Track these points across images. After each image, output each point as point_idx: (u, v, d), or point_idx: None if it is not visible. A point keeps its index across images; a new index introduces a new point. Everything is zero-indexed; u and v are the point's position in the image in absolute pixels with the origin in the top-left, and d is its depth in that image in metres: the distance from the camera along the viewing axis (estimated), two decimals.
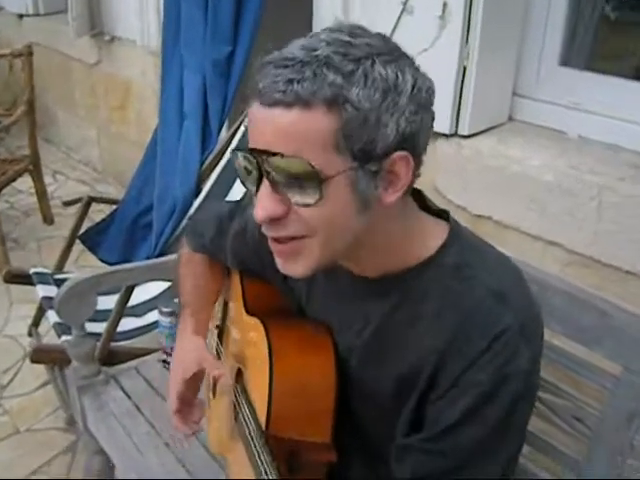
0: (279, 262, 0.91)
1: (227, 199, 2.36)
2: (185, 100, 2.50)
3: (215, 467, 1.45)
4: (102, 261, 2.54)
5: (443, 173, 2.16)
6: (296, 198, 0.82)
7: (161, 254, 2.38)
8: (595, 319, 1.17)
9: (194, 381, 1.20)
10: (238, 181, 2.33)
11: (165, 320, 1.69)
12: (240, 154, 0.85)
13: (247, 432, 1.05)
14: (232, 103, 2.46)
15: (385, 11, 2.15)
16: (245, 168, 0.86)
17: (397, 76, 0.82)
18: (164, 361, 1.73)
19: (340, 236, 0.88)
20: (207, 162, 2.44)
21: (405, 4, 2.07)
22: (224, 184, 2.39)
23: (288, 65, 0.79)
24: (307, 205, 0.82)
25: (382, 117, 0.80)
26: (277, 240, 0.88)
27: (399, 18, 2.11)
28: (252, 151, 0.82)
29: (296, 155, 0.79)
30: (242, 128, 2.42)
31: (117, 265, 2.24)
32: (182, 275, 1.33)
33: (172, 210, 2.42)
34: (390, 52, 0.83)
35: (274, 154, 0.80)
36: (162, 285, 2.24)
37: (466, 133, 2.13)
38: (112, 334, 1.84)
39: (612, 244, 1.80)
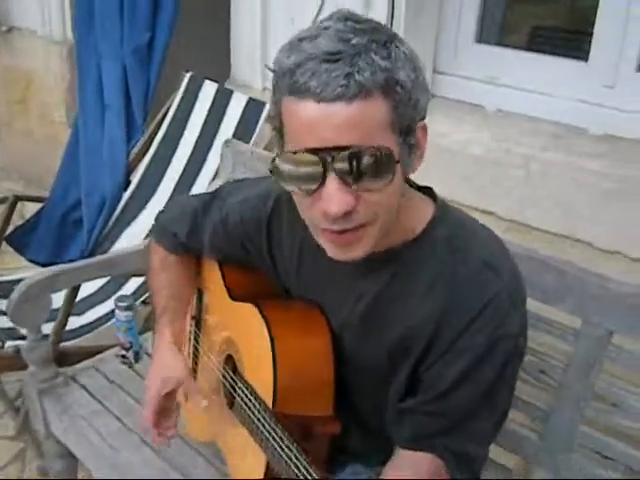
0: (333, 250, 0.92)
1: (159, 190, 2.34)
2: (105, 91, 2.44)
3: (192, 454, 1.45)
4: (31, 261, 2.45)
5: None
6: (369, 185, 0.84)
7: (94, 249, 2.33)
8: (556, 279, 1.27)
9: (172, 394, 1.20)
10: (169, 171, 2.31)
11: (122, 315, 1.66)
12: (295, 157, 0.84)
13: (252, 414, 1.07)
14: (155, 91, 2.42)
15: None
16: (300, 172, 0.85)
17: (413, 53, 0.86)
18: (122, 356, 1.71)
19: (392, 216, 0.92)
20: (134, 153, 2.40)
21: None
22: (154, 175, 2.37)
23: (338, 59, 0.80)
24: (380, 190, 0.85)
25: (417, 93, 0.85)
26: (340, 232, 0.88)
27: (322, 4, 2.15)
28: (317, 150, 0.82)
29: (368, 143, 0.81)
30: (169, 115, 2.39)
31: (49, 265, 2.19)
32: (156, 281, 1.32)
33: (102, 205, 2.37)
34: (391, 32, 0.87)
35: (345, 148, 0.81)
36: (97, 283, 2.20)
37: None
38: (60, 334, 1.79)
39: (540, 209, 1.94)
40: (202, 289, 1.35)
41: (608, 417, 1.28)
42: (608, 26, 1.97)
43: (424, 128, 0.91)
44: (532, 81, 2.08)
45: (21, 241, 2.44)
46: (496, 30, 2.41)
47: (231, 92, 2.25)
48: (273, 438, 1.00)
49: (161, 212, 1.38)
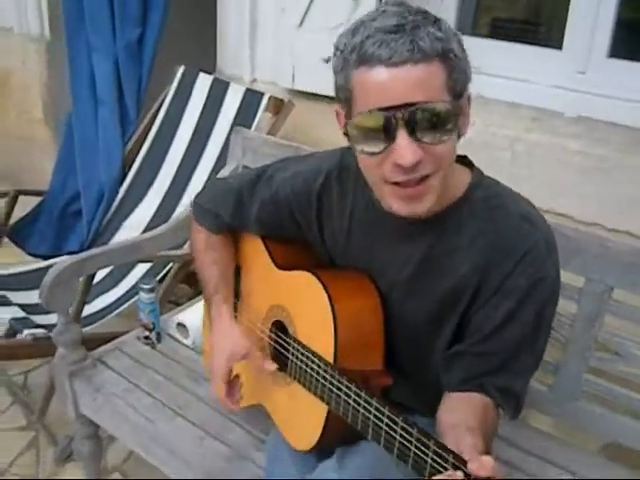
0: (400, 204, 1.03)
1: (156, 182, 2.40)
2: (98, 86, 2.49)
3: (223, 420, 1.55)
4: (31, 254, 2.48)
5: None
6: (435, 137, 0.96)
7: (94, 241, 2.38)
8: (561, 242, 1.40)
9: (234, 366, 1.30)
10: (166, 164, 2.38)
11: (146, 297, 1.73)
12: (370, 116, 0.95)
13: (311, 371, 1.17)
14: (147, 85, 2.48)
15: None
16: (373, 131, 0.96)
17: (457, 31, 0.99)
18: (146, 337, 1.78)
19: (449, 170, 1.03)
20: (129, 146, 2.46)
21: None
22: (150, 168, 2.44)
23: (402, 30, 0.92)
24: (443, 142, 0.97)
25: (465, 63, 0.99)
26: (407, 185, 0.99)
27: None
28: (389, 108, 0.93)
29: (433, 100, 0.94)
30: (163, 109, 2.46)
31: (50, 257, 2.25)
32: (205, 259, 1.41)
33: (100, 197, 2.42)
34: (436, 15, 0.99)
35: (413, 104, 0.93)
36: (102, 272, 2.25)
37: None
38: (79, 320, 1.85)
39: (527, 187, 2.08)
40: (239, 264, 1.44)
41: (611, 365, 1.44)
42: (580, 16, 2.13)
43: (469, 98, 1.04)
44: (510, 69, 2.22)
45: (20, 235, 2.47)
46: (470, 22, 2.56)
47: (227, 84, 2.33)
48: (338, 388, 1.10)
49: (200, 194, 1.46)
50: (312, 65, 2.34)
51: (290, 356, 1.25)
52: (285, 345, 1.27)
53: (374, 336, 1.19)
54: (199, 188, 2.21)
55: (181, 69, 2.45)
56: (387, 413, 1.00)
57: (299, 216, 1.27)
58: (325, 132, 2.37)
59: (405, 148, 0.95)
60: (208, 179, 2.29)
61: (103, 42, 2.45)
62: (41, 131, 3.36)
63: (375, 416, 1.02)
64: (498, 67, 2.25)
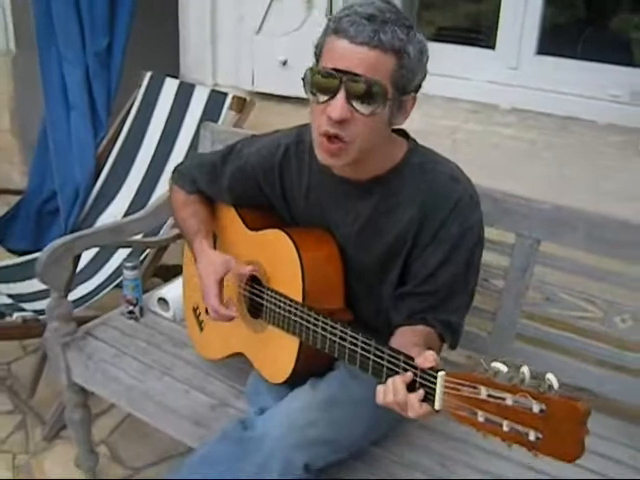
0: (324, 156, 1.25)
1: (127, 180, 2.58)
2: (69, 93, 2.65)
3: (204, 375, 1.74)
4: (10, 251, 2.62)
5: None
6: (363, 108, 1.18)
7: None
8: (493, 205, 1.63)
9: (221, 284, 1.47)
10: (136, 163, 2.56)
11: (130, 273, 1.91)
12: (323, 72, 1.17)
13: (284, 312, 1.37)
14: (116, 90, 2.66)
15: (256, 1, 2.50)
16: (322, 82, 1.18)
17: (424, 43, 1.22)
18: (130, 312, 1.95)
19: (369, 144, 1.25)
20: (101, 148, 2.63)
21: None
22: (121, 168, 2.62)
23: (374, 20, 1.14)
24: (367, 115, 1.18)
25: (417, 68, 1.21)
26: (330, 140, 1.21)
27: (270, 4, 2.47)
28: (338, 70, 1.15)
29: (375, 78, 1.15)
30: (132, 112, 2.64)
31: (30, 252, 2.40)
32: (183, 216, 1.61)
33: (75, 195, 2.59)
34: (413, 24, 1.21)
35: (357, 75, 1.15)
36: (85, 258, 2.40)
37: None
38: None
39: (467, 170, 2.33)
40: (215, 232, 1.63)
41: (543, 309, 1.66)
42: (510, 19, 2.41)
43: (414, 99, 1.26)
44: (449, 68, 2.47)
45: (1, 232, 2.62)
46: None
47: (193, 86, 2.53)
48: (307, 320, 1.31)
49: (179, 165, 1.69)
50: (271, 68, 2.56)
51: (265, 302, 1.45)
52: (260, 295, 1.47)
53: (335, 279, 1.40)
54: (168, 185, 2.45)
55: (148, 75, 2.64)
56: (349, 332, 1.21)
57: (265, 184, 1.48)
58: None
59: (338, 104, 1.16)
60: None
61: (73, 53, 2.61)
62: (9, 141, 3.49)
63: (340, 337, 1.23)
64: (440, 67, 2.50)
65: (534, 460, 1.37)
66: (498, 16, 2.44)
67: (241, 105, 2.39)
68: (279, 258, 1.42)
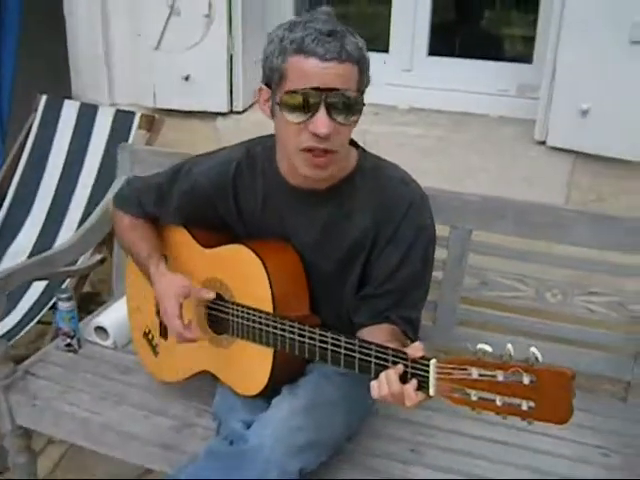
0: (309, 169, 1.29)
1: (32, 211, 2.47)
2: None
3: (162, 399, 1.72)
4: None
5: (224, 143, 2.54)
6: (344, 119, 1.23)
7: None
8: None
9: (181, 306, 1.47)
10: (40, 192, 2.46)
11: (65, 305, 1.84)
12: (301, 93, 1.20)
13: (254, 324, 1.40)
14: (9, 116, 2.54)
15: (153, 15, 2.47)
16: (300, 102, 1.21)
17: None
18: (67, 345, 1.88)
19: (346, 151, 1.31)
20: (0, 176, 2.50)
21: (172, 7, 2.42)
22: (25, 198, 2.51)
23: (334, 35, 1.20)
24: (348, 124, 1.25)
25: (368, 69, 1.28)
26: (317, 155, 1.25)
27: (168, 19, 2.45)
28: (316, 89, 1.19)
29: (350, 90, 1.21)
30: (30, 139, 2.53)
31: None
32: (132, 240, 1.59)
33: None
34: None
35: (335, 89, 1.20)
36: None
37: (240, 109, 2.58)
38: None
39: None
40: (164, 254, 1.62)
41: (480, 293, 1.79)
42: (401, 24, 2.54)
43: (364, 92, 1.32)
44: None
45: None
46: None
47: (96, 107, 2.46)
48: (282, 329, 1.34)
49: (120, 190, 1.67)
50: (173, 83, 2.54)
51: (231, 317, 1.46)
52: (224, 310, 1.48)
53: (299, 285, 1.45)
54: (79, 211, 2.38)
55: (44, 98, 2.54)
56: (330, 335, 1.26)
57: (218, 202, 1.49)
58: (194, 142, 2.59)
59: (323, 120, 1.22)
60: (88, 202, 2.40)
61: None
62: None
63: (320, 341, 1.28)
64: None
65: (494, 432, 1.50)
66: (389, 21, 2.57)
67: (150, 123, 2.36)
68: (242, 272, 1.44)
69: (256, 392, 1.44)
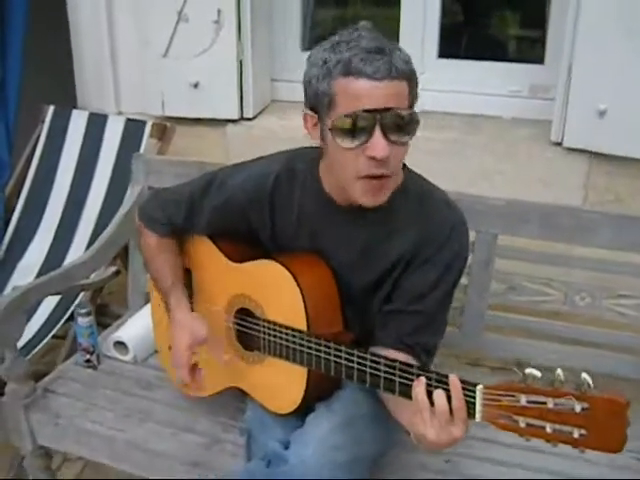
0: (367, 196, 1.25)
1: (42, 225, 2.43)
2: None
3: (187, 415, 1.68)
4: None
5: (236, 152, 2.55)
6: (400, 137, 1.19)
7: None
8: None
9: (192, 351, 1.45)
10: (50, 205, 2.42)
11: (84, 320, 1.80)
12: (354, 116, 1.16)
13: (287, 342, 1.37)
14: (16, 127, 2.50)
15: (160, 21, 2.44)
16: (354, 126, 1.17)
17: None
18: (87, 361, 1.84)
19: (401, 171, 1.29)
20: (8, 191, 2.46)
21: (180, 13, 2.39)
22: (34, 209, 2.46)
23: (382, 53, 1.15)
24: (404, 143, 1.20)
25: (417, 85, 1.24)
26: (375, 178, 1.21)
27: (176, 26, 2.42)
28: (370, 110, 1.15)
29: (403, 108, 1.17)
30: (38, 151, 2.49)
31: None
32: (157, 261, 1.55)
33: None
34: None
35: (389, 109, 1.15)
36: None
37: (251, 116, 2.55)
38: None
39: None
40: (188, 267, 1.59)
41: (507, 298, 1.76)
42: (410, 26, 2.52)
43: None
44: None
45: None
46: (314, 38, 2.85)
47: (105, 117, 2.42)
48: (317, 349, 1.31)
49: (145, 204, 1.61)
50: (181, 91, 2.51)
51: (262, 335, 1.43)
52: (254, 327, 1.45)
53: (333, 302, 1.41)
54: (91, 224, 2.34)
55: (51, 108, 2.50)
56: (369, 357, 1.24)
57: (253, 216, 1.44)
58: (204, 151, 2.56)
59: (380, 143, 1.16)
60: (99, 214, 2.37)
61: None
62: None
63: (359, 363, 1.25)
64: None
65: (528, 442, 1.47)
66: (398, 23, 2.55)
67: (162, 132, 2.33)
68: (274, 289, 1.40)
69: (289, 410, 1.40)
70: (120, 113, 2.65)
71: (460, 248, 1.38)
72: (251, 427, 1.49)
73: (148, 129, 2.33)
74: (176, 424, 1.66)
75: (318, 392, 1.41)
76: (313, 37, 2.82)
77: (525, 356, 1.78)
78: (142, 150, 2.30)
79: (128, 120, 2.40)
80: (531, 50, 2.87)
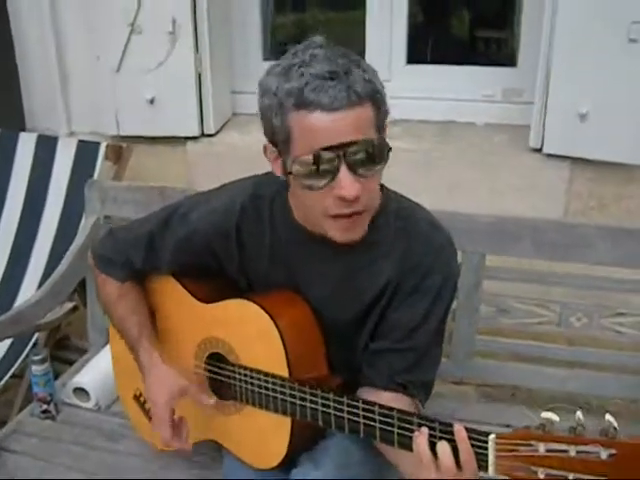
0: (340, 233, 1.12)
1: None
2: None
3: (159, 466, 1.53)
4: None
5: (198, 171, 2.41)
6: (370, 170, 1.05)
7: None
8: None
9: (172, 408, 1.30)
10: (0, 228, 2.24)
11: (39, 368, 1.63)
12: (314, 156, 1.02)
13: (266, 391, 1.23)
14: None
15: (112, 35, 2.28)
16: (316, 168, 1.03)
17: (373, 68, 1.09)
18: (44, 411, 1.67)
19: (377, 201, 1.14)
20: None
21: (133, 25, 2.23)
22: None
23: (336, 77, 1.00)
24: (376, 173, 1.06)
25: (385, 97, 1.08)
26: (345, 216, 1.08)
27: (129, 39, 2.26)
28: (330, 148, 1.01)
29: (367, 138, 1.02)
30: None
31: None
32: (119, 309, 1.39)
33: None
34: (356, 55, 1.08)
35: (352, 143, 1.01)
36: None
37: (212, 132, 2.41)
38: None
39: None
40: (151, 308, 1.43)
41: (497, 321, 1.65)
42: (376, 32, 2.40)
43: (386, 126, 1.14)
44: None
45: None
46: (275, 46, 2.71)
47: (56, 139, 2.25)
48: (302, 398, 1.17)
49: (99, 244, 1.45)
50: (136, 108, 2.35)
51: (237, 382, 1.28)
52: (228, 374, 1.30)
53: (315, 344, 1.26)
54: (43, 258, 2.17)
55: None
56: (361, 405, 1.11)
57: (219, 249, 1.30)
58: (164, 172, 2.41)
59: (347, 182, 1.03)
60: (52, 246, 2.19)
61: None
62: None
63: (349, 412, 1.12)
64: None
65: None
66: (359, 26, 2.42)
67: (117, 153, 2.16)
68: (249, 331, 1.26)
69: (271, 465, 1.26)
70: (72, 134, 2.48)
71: (449, 272, 1.24)
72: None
73: (102, 151, 2.16)
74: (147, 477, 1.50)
75: (302, 444, 1.27)
76: (274, 45, 2.69)
77: (517, 381, 1.67)
78: (96, 174, 2.13)
79: (80, 142, 2.23)
80: (501, 52, 2.78)
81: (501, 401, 1.96)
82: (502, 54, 2.78)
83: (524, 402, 1.90)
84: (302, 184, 1.08)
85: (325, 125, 1.01)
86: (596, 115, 1.99)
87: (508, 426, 1.35)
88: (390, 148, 1.08)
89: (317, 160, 1.03)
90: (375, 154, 1.05)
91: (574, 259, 1.57)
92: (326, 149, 1.02)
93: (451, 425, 1.01)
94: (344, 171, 1.03)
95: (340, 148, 1.02)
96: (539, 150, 2.16)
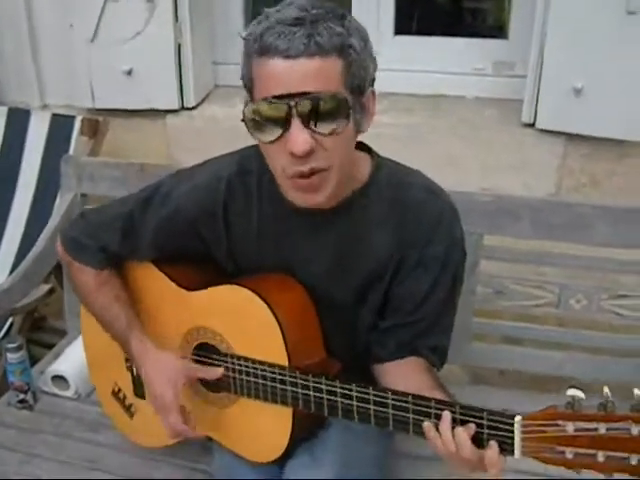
0: (299, 196, 1.05)
1: None
2: None
3: (143, 462, 1.47)
4: None
5: (178, 147, 2.31)
6: (328, 128, 0.97)
7: None
8: None
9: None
10: None
11: (14, 356, 1.55)
12: (265, 104, 0.96)
13: (270, 380, 1.16)
14: None
15: (86, 2, 2.16)
16: (268, 117, 0.97)
17: (362, 27, 1.02)
18: (21, 401, 1.59)
19: (346, 165, 1.05)
20: None
21: None
22: None
23: (301, 23, 0.94)
24: (337, 133, 0.98)
25: (367, 59, 1.01)
26: (302, 175, 1.01)
27: (104, 6, 2.14)
28: (282, 96, 0.94)
29: (330, 91, 0.95)
30: None
31: None
32: (100, 298, 1.30)
33: None
34: (344, 11, 1.01)
35: (306, 93, 0.94)
36: None
37: (192, 105, 2.30)
38: None
39: None
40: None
41: (496, 303, 1.59)
42: (364, 2, 2.30)
43: (374, 94, 1.07)
44: None
45: None
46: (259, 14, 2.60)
47: (28, 112, 2.13)
48: (304, 386, 1.11)
49: (69, 229, 1.36)
50: (113, 80, 2.24)
51: (231, 374, 1.21)
52: (221, 365, 1.23)
53: (312, 327, 1.20)
54: (16, 240, 2.07)
55: None
56: (372, 392, 1.05)
57: (205, 231, 1.22)
58: (143, 146, 2.30)
59: (297, 136, 0.96)
60: (26, 227, 2.09)
61: None
62: None
63: (358, 399, 1.06)
64: None
65: None
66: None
67: (93, 128, 2.06)
68: (242, 319, 1.18)
69: (271, 459, 1.20)
70: (45, 107, 2.36)
71: (451, 240, 1.17)
72: (218, 475, 1.28)
73: (78, 125, 2.05)
74: (130, 472, 1.44)
75: (303, 434, 1.21)
76: (257, 14, 2.56)
77: (516, 364, 1.63)
78: (72, 150, 2.03)
79: (54, 115, 2.12)
80: (492, 23, 2.71)
81: (492, 384, 1.91)
82: (493, 26, 2.71)
83: (515, 385, 1.85)
84: (253, 136, 1.02)
85: (281, 72, 0.95)
86: (592, 90, 1.93)
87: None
88: (350, 105, 0.99)
89: (269, 108, 0.97)
90: (335, 110, 0.97)
91: (574, 240, 1.52)
92: (276, 97, 0.96)
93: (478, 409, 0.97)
94: (296, 123, 0.96)
95: (292, 97, 0.95)
96: (532, 125, 2.09)
